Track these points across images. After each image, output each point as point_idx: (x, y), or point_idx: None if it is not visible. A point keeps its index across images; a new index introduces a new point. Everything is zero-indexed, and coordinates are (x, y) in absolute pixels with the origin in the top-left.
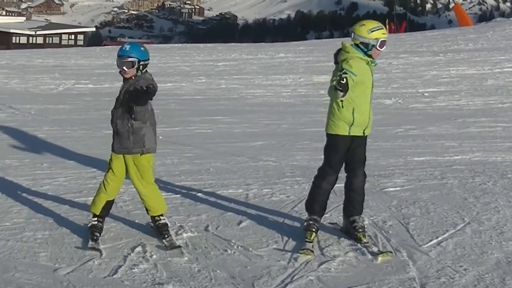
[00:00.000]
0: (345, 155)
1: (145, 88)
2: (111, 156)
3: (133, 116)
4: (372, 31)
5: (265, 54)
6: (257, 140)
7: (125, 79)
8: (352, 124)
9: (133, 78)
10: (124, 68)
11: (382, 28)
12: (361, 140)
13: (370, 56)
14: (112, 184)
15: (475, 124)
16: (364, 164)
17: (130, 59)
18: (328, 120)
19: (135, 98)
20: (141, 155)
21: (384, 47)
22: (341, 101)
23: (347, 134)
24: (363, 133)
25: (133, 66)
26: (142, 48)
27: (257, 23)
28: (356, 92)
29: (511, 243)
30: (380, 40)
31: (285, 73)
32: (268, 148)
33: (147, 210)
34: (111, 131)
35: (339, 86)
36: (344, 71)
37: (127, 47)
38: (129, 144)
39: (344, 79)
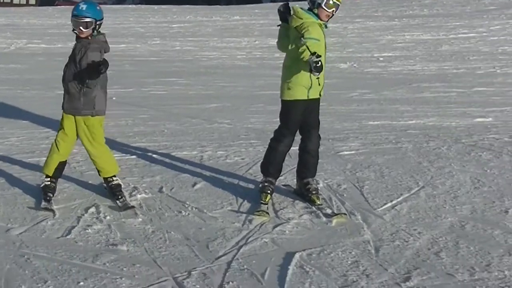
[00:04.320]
0: (301, 118)
1: (99, 66)
2: (62, 116)
3: (85, 85)
4: None
5: (220, 16)
6: (212, 103)
7: (78, 38)
8: (310, 87)
9: (89, 38)
10: (81, 28)
11: None
12: (316, 103)
13: (318, 16)
14: (64, 144)
15: (430, 89)
16: (318, 127)
17: (86, 19)
18: (284, 86)
19: (89, 74)
20: (92, 117)
21: (333, 10)
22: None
23: (306, 98)
24: (319, 94)
25: (89, 27)
26: (98, 8)
27: None
28: None
29: (465, 207)
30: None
31: (240, 36)
32: (223, 111)
33: (98, 171)
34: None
35: (316, 71)
36: (316, 55)
37: (84, 6)
38: (80, 105)
39: (319, 62)
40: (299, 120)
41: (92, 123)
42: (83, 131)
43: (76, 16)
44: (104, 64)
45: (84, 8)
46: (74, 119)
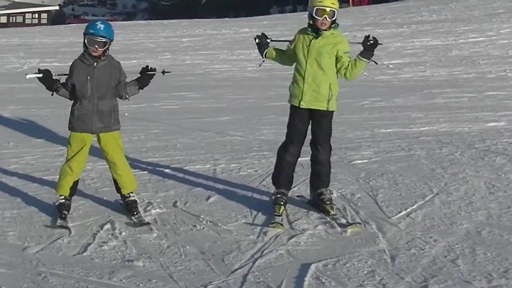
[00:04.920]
0: (305, 127)
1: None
2: (72, 137)
3: (127, 96)
4: (311, 1)
5: (229, 29)
6: (223, 115)
7: (92, 56)
8: (300, 98)
9: (101, 57)
10: (96, 46)
11: None
12: (322, 114)
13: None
14: (78, 165)
15: (441, 95)
16: (328, 137)
17: (103, 39)
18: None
19: (147, 82)
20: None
21: (325, 16)
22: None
23: (297, 105)
24: (323, 107)
25: (104, 46)
26: (112, 28)
27: None
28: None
29: (480, 213)
30: (315, 8)
31: (249, 48)
32: (234, 123)
33: (119, 188)
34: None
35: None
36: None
37: (101, 26)
38: (111, 122)
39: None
40: (300, 128)
41: (118, 136)
42: (112, 146)
43: (92, 35)
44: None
45: (102, 28)
46: (90, 138)
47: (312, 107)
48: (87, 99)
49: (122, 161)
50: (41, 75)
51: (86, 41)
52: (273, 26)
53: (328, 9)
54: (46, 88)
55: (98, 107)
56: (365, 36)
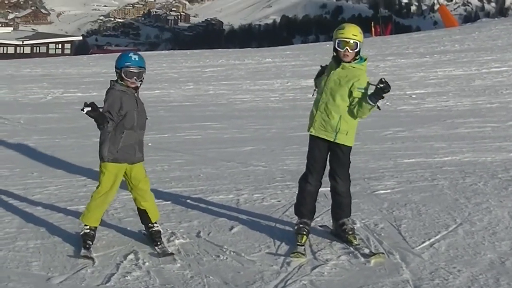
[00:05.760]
0: (323, 156)
1: None
2: (110, 168)
3: None
4: (334, 33)
5: (252, 59)
6: (246, 145)
7: (129, 88)
8: (312, 124)
9: (139, 87)
10: (135, 78)
11: (342, 29)
12: (335, 146)
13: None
14: (113, 196)
15: (464, 125)
16: (346, 168)
17: (141, 69)
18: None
19: None
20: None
21: (347, 48)
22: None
23: (308, 131)
24: (336, 139)
25: (142, 76)
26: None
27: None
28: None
29: (504, 243)
30: (337, 40)
31: (272, 78)
32: (257, 153)
33: (145, 217)
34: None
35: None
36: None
37: (136, 57)
38: (143, 151)
39: (381, 84)
40: (318, 159)
41: (143, 165)
42: (143, 174)
43: (129, 67)
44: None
45: (137, 59)
46: (128, 168)
47: (320, 136)
48: (133, 130)
49: (148, 187)
50: (90, 108)
51: (123, 74)
52: (296, 56)
53: (351, 41)
54: (98, 122)
55: (139, 138)
56: (380, 79)
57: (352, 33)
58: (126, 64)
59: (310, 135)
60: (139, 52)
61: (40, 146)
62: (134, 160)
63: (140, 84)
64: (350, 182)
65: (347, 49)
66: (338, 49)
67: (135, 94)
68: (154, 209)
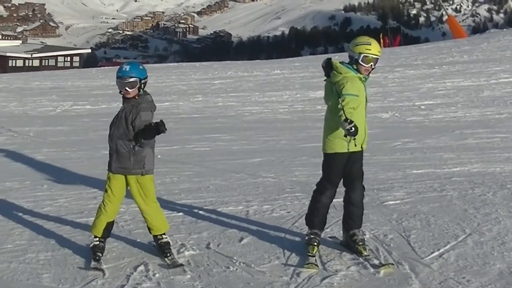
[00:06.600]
0: (343, 170)
1: (156, 126)
2: (108, 176)
3: (139, 145)
4: (357, 45)
5: (261, 71)
6: (255, 157)
7: (126, 99)
8: (350, 140)
9: (136, 97)
10: (126, 88)
11: (369, 44)
12: (358, 155)
13: (359, 71)
14: (111, 205)
15: (473, 136)
16: (362, 178)
17: (131, 80)
18: (325, 138)
19: (145, 134)
20: (142, 175)
21: (371, 64)
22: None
23: (346, 151)
24: (361, 147)
25: (134, 86)
26: (141, 67)
27: (252, 40)
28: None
29: None
30: (362, 55)
31: (281, 90)
32: (267, 165)
33: (149, 229)
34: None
35: (349, 135)
36: (349, 121)
37: (127, 67)
38: (130, 165)
39: (352, 129)
40: (341, 172)
41: (143, 182)
42: (136, 189)
43: (120, 78)
44: (163, 125)
45: (127, 69)
46: (124, 178)
47: (357, 150)
48: (110, 140)
49: (145, 204)
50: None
51: (117, 85)
52: (305, 67)
53: (375, 56)
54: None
55: (116, 148)
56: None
57: (378, 49)
58: (118, 75)
59: (333, 153)
60: (147, 65)
61: (50, 159)
62: (111, 170)
63: (140, 92)
64: (364, 193)
65: (371, 64)
66: (362, 64)
67: (128, 103)
68: (155, 223)
